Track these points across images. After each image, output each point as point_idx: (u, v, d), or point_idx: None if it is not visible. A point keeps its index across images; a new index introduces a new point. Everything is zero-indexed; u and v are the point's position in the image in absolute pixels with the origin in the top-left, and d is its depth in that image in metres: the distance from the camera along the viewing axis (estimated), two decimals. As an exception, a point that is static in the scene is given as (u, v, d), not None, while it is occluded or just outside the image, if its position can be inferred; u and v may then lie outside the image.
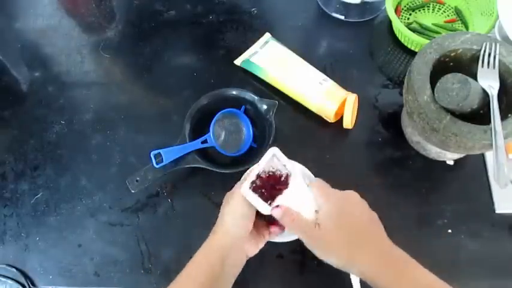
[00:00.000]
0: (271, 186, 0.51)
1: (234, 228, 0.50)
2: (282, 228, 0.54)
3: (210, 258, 0.49)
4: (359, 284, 0.55)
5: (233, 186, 0.54)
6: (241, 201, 0.50)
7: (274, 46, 0.74)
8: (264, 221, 0.55)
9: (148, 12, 0.83)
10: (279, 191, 0.51)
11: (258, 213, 0.52)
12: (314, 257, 0.62)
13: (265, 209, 0.50)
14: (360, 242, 0.47)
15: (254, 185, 0.51)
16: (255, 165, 0.52)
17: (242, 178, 0.54)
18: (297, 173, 0.51)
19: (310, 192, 0.50)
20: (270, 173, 0.52)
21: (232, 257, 0.50)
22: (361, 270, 0.46)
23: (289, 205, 0.50)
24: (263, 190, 0.51)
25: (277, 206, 0.50)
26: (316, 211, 0.49)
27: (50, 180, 0.68)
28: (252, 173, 0.51)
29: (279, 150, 0.52)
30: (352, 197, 0.50)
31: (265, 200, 0.50)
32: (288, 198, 0.50)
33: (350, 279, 0.56)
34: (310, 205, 0.50)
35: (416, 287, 0.45)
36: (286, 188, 0.51)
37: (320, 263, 0.60)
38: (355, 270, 0.47)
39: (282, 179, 0.51)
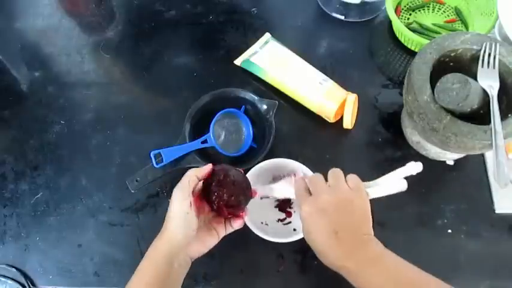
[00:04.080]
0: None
1: (178, 237, 0.49)
2: (240, 218, 0.55)
3: (156, 264, 0.49)
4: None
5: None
6: (180, 206, 0.50)
7: (274, 46, 0.74)
8: (221, 217, 0.55)
9: (148, 12, 0.83)
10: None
11: (214, 209, 0.53)
12: (314, 257, 0.62)
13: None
14: (333, 236, 0.48)
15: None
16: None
17: (180, 182, 0.53)
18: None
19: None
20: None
21: (179, 261, 0.50)
22: (334, 265, 0.48)
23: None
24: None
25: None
26: None
27: (50, 180, 0.68)
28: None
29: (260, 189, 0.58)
30: (331, 179, 0.52)
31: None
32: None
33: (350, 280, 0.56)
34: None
35: (387, 277, 0.46)
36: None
37: (320, 263, 0.60)
38: (330, 264, 0.49)
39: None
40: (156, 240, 0.51)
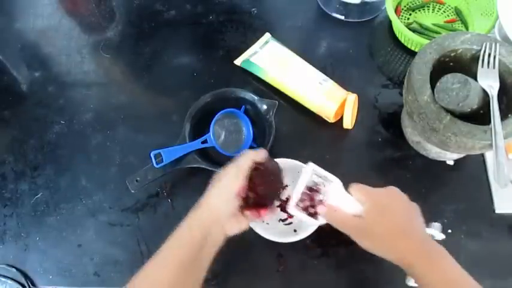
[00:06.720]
0: (312, 199, 0.54)
1: (219, 208, 0.50)
2: (258, 215, 0.54)
3: (192, 234, 0.49)
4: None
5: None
6: (231, 183, 0.50)
7: (274, 46, 0.74)
8: (251, 205, 0.54)
9: (148, 12, 0.83)
10: (320, 202, 0.53)
11: (246, 196, 0.52)
12: (314, 257, 0.62)
13: (313, 222, 0.53)
14: (401, 233, 0.49)
15: (298, 201, 0.53)
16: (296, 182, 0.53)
17: (237, 160, 0.52)
18: (335, 181, 0.53)
19: (350, 197, 0.52)
20: (310, 188, 0.54)
21: (213, 235, 0.50)
22: (399, 258, 0.49)
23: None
24: (306, 205, 0.54)
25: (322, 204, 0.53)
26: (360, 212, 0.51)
27: (50, 180, 0.68)
28: (295, 191, 0.53)
29: (315, 165, 0.53)
30: (392, 192, 0.52)
31: (309, 212, 0.53)
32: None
33: (349, 279, 0.56)
34: (352, 207, 0.51)
35: (445, 278, 0.48)
36: (326, 197, 0.53)
37: (320, 263, 0.60)
38: (394, 257, 0.49)
39: (321, 190, 0.54)
40: (192, 211, 0.50)
